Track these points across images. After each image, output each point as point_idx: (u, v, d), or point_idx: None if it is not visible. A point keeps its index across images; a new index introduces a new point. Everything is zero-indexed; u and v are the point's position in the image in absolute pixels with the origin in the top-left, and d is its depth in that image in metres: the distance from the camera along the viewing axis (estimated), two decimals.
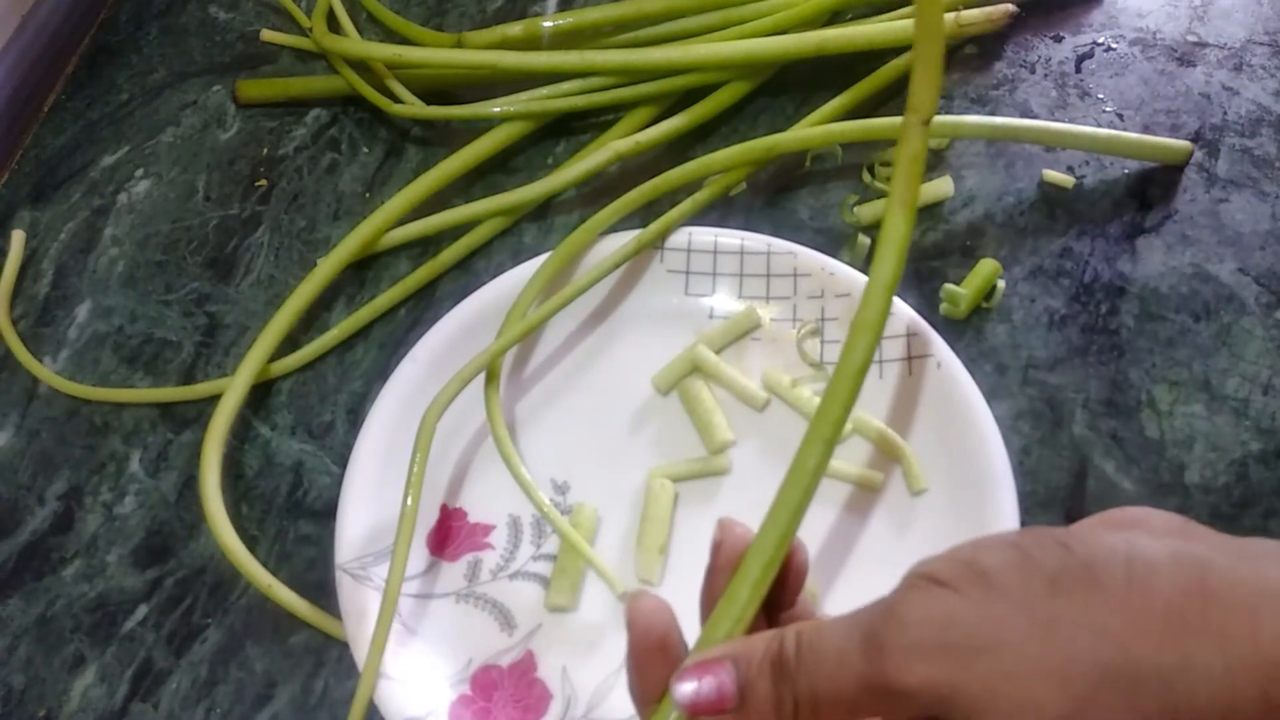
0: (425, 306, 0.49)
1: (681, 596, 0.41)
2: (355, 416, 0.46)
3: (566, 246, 0.46)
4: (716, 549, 0.32)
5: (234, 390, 0.45)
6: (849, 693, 0.27)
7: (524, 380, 0.46)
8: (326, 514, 0.44)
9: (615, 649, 0.40)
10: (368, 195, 0.53)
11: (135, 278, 0.52)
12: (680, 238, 0.47)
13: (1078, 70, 0.54)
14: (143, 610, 0.43)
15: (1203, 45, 0.54)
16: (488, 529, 0.43)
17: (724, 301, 0.47)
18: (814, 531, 0.41)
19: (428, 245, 0.51)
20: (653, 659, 0.30)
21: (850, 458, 0.42)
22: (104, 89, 0.59)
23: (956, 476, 0.40)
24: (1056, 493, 0.42)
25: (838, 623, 0.28)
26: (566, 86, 0.52)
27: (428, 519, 0.43)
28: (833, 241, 0.49)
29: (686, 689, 0.29)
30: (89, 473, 0.46)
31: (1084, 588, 0.25)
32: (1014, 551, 0.26)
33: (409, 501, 0.39)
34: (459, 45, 0.53)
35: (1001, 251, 0.48)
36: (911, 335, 0.43)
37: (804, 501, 0.31)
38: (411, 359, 0.45)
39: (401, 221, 0.50)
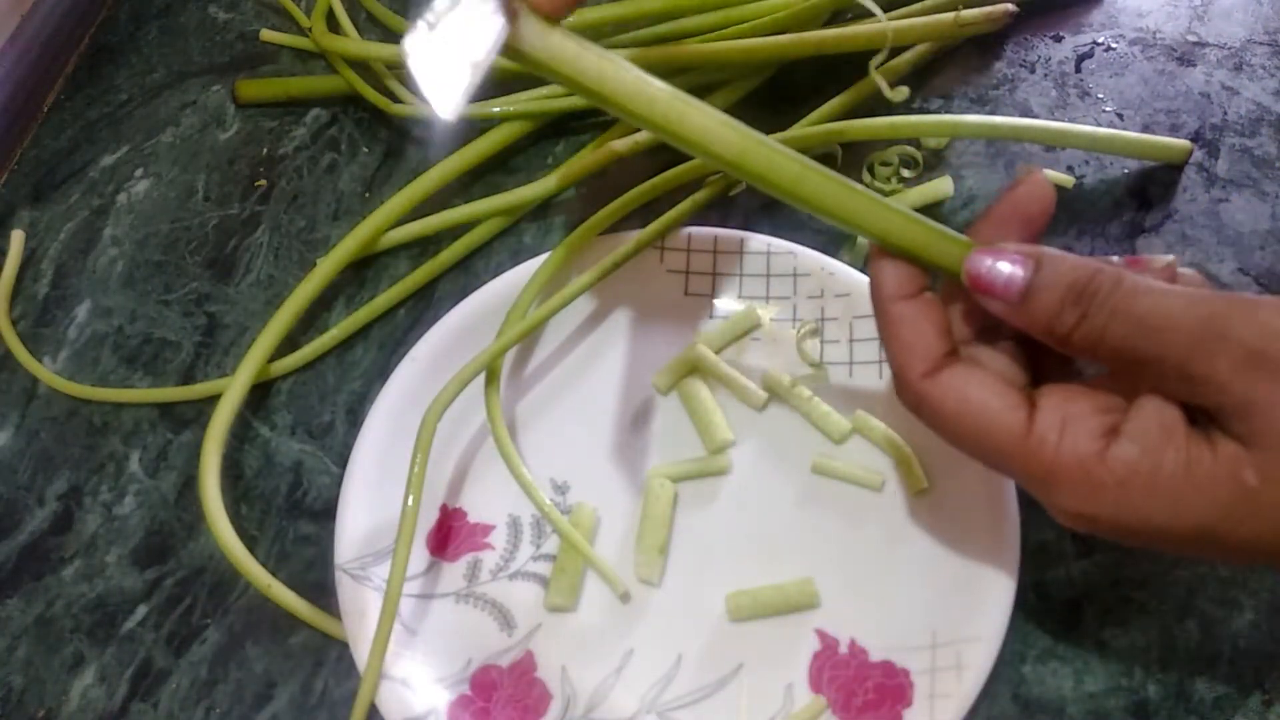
0: (425, 306, 0.49)
1: (682, 596, 0.41)
2: (355, 416, 0.46)
3: (566, 246, 0.46)
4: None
5: (233, 390, 0.45)
6: (1151, 352, 0.27)
7: (524, 380, 0.46)
8: (326, 514, 0.44)
9: (615, 649, 0.40)
10: (367, 195, 0.53)
11: (135, 278, 0.52)
12: (680, 238, 0.47)
13: (1078, 70, 0.54)
14: (142, 610, 0.43)
15: (1203, 45, 0.54)
16: (488, 529, 0.43)
17: (724, 301, 0.47)
18: (813, 531, 0.41)
19: (427, 245, 0.51)
20: (1011, 225, 0.31)
21: (850, 458, 0.42)
22: (103, 89, 0.59)
23: (956, 476, 0.40)
24: None
25: (1171, 289, 0.27)
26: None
27: (428, 519, 0.43)
28: (832, 241, 0.49)
29: (980, 262, 0.29)
30: (88, 473, 0.46)
31: None
32: None
33: (409, 501, 0.39)
34: None
35: None
36: None
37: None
38: (411, 359, 0.45)
39: (401, 221, 0.50)
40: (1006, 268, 0.28)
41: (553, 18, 0.31)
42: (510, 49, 0.31)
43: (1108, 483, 0.27)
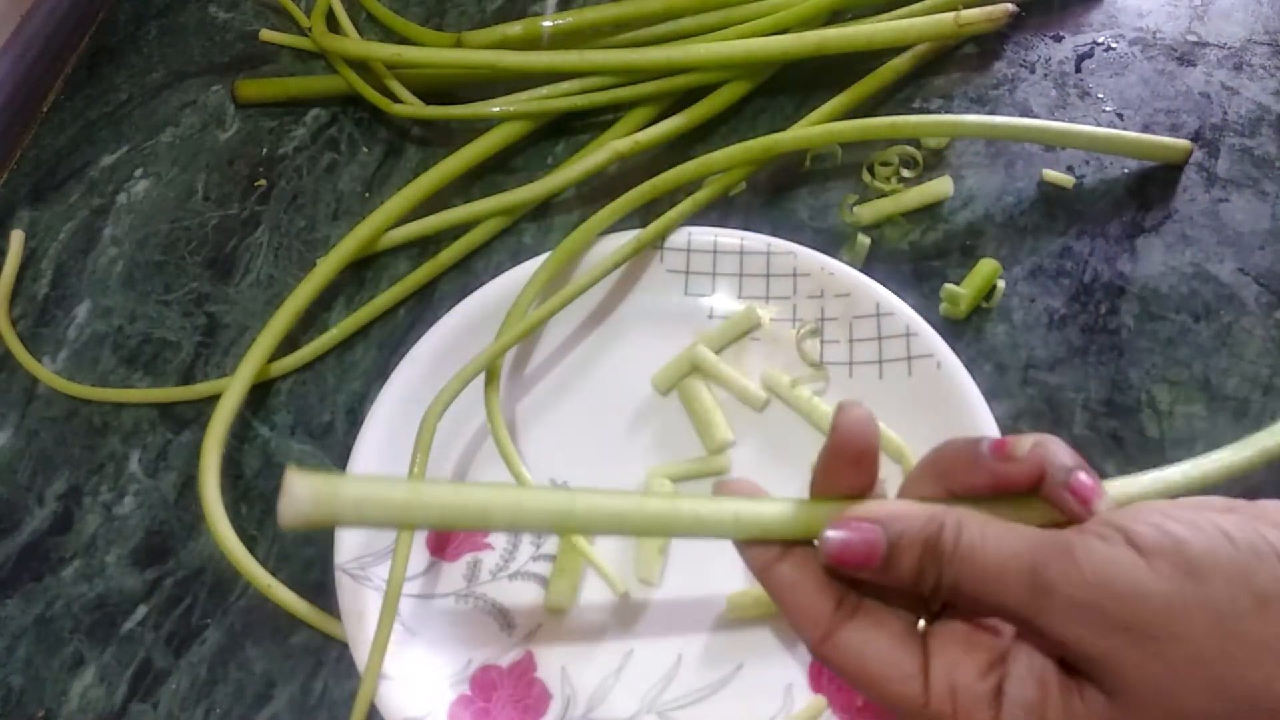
0: (425, 307, 0.49)
1: (682, 596, 0.41)
2: (355, 416, 0.46)
3: (566, 246, 0.46)
4: (833, 431, 0.30)
5: (233, 390, 0.45)
6: (994, 606, 0.27)
7: (524, 380, 0.46)
8: None
9: (614, 649, 0.40)
10: (367, 195, 0.53)
11: (134, 278, 0.52)
12: (680, 238, 0.47)
13: (1078, 70, 0.54)
14: (142, 610, 0.43)
15: (1203, 45, 0.54)
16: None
17: (724, 301, 0.47)
18: None
19: (427, 245, 0.51)
20: (842, 469, 0.30)
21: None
22: (103, 89, 0.59)
23: None
24: None
25: (1004, 536, 0.27)
26: (566, 86, 0.52)
27: None
28: (832, 241, 0.49)
29: (836, 537, 0.28)
30: (88, 473, 0.46)
31: None
32: (1228, 549, 0.25)
33: None
34: (458, 45, 0.53)
35: (1001, 251, 0.48)
36: (911, 335, 0.43)
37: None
38: (411, 359, 0.44)
39: (401, 221, 0.50)
40: (863, 539, 0.28)
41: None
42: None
43: None
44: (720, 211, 0.50)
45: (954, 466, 0.30)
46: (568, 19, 0.53)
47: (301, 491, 0.25)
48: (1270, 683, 0.24)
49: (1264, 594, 0.25)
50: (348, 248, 0.48)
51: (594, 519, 0.28)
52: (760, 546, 0.30)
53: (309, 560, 0.43)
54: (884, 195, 0.50)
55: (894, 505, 0.29)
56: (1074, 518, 0.28)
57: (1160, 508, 0.27)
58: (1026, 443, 0.29)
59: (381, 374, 0.46)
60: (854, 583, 0.29)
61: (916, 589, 0.29)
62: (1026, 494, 0.29)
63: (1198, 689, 0.25)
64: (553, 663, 0.40)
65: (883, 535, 0.28)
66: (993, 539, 0.27)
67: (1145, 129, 0.51)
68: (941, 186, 0.49)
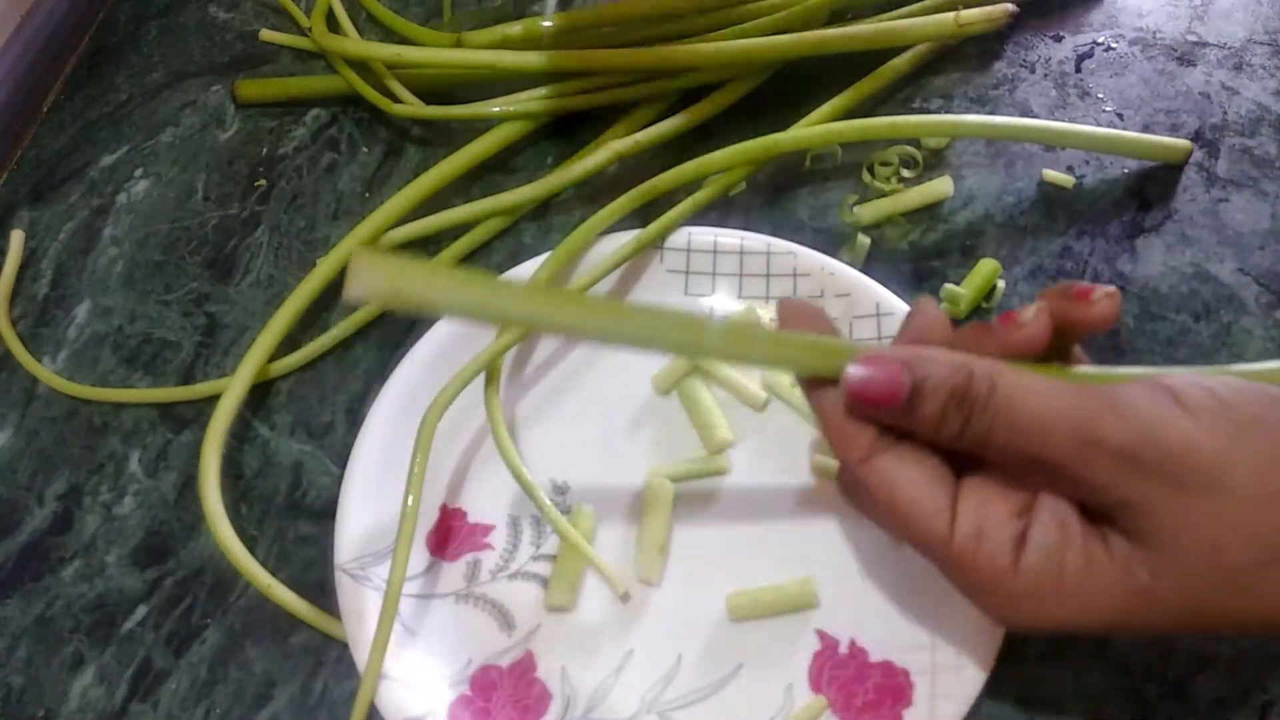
0: None
1: (682, 596, 0.41)
2: (355, 416, 0.46)
3: (566, 246, 0.46)
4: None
5: (233, 390, 0.45)
6: (1032, 456, 0.27)
7: (524, 380, 0.46)
8: (326, 514, 0.44)
9: (614, 649, 0.40)
10: (367, 195, 0.53)
11: (134, 278, 0.52)
12: (680, 238, 0.47)
13: (1077, 70, 0.54)
14: (142, 610, 0.43)
15: (1203, 45, 0.54)
16: (487, 529, 0.43)
17: (724, 301, 0.47)
18: (813, 531, 0.41)
19: (427, 245, 0.51)
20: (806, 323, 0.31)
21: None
22: (103, 89, 0.59)
23: None
24: None
25: (1047, 389, 0.28)
26: (566, 86, 0.52)
27: (427, 519, 0.43)
28: (832, 241, 0.49)
29: (858, 372, 0.29)
30: (88, 473, 0.46)
31: None
32: (1271, 408, 0.26)
33: (409, 501, 0.39)
34: (458, 45, 0.53)
35: (1001, 251, 0.48)
36: None
37: None
38: (411, 359, 0.44)
39: (401, 221, 0.50)
40: (884, 377, 0.29)
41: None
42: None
43: (1021, 594, 0.28)
44: (720, 211, 0.50)
45: (962, 344, 0.30)
46: (568, 19, 0.53)
47: (371, 270, 0.26)
48: None
49: None
50: (348, 248, 0.48)
51: (628, 328, 0.29)
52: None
53: (309, 560, 0.43)
54: (884, 195, 0.50)
55: (923, 350, 0.29)
56: (1082, 321, 0.30)
57: (1201, 375, 0.28)
58: (1031, 310, 0.30)
59: (382, 374, 0.46)
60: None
61: (936, 436, 0.29)
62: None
63: (1231, 538, 0.26)
64: (553, 663, 0.40)
65: (907, 375, 0.28)
66: (1034, 392, 0.28)
67: (1145, 129, 0.51)
68: (941, 186, 0.49)
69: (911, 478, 0.29)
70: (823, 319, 0.32)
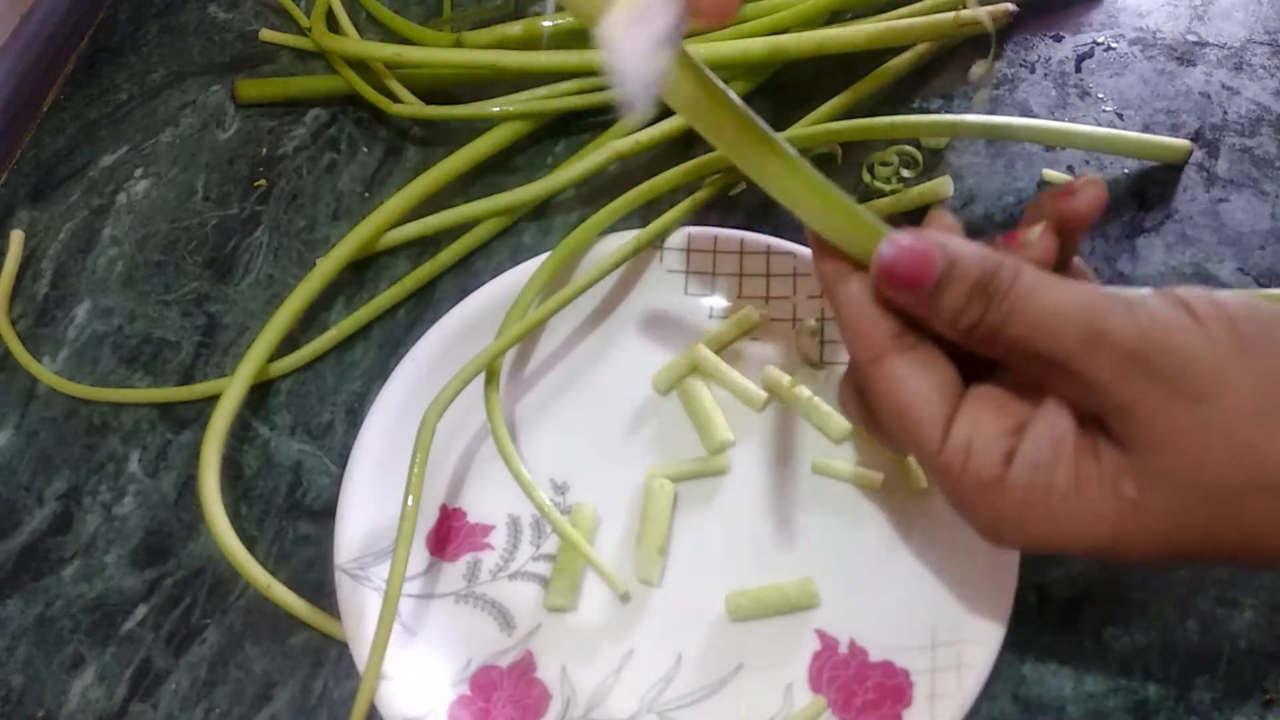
0: (424, 306, 0.49)
1: (682, 596, 0.41)
2: (355, 416, 0.46)
3: (566, 246, 0.46)
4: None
5: (233, 390, 0.45)
6: (1041, 350, 0.27)
7: (524, 380, 0.46)
8: (326, 514, 0.44)
9: (615, 649, 0.40)
10: (367, 195, 0.53)
11: (134, 278, 0.52)
12: (680, 237, 0.47)
13: (1078, 70, 0.54)
14: (142, 610, 0.43)
15: (1203, 45, 0.54)
16: (487, 529, 0.43)
17: (724, 301, 0.47)
18: (813, 531, 0.41)
19: (427, 245, 0.51)
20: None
21: (849, 457, 0.42)
22: (103, 89, 0.59)
23: None
24: None
25: (1063, 285, 0.28)
26: (566, 86, 0.52)
27: (427, 519, 0.43)
28: None
29: (890, 251, 0.29)
30: (88, 473, 0.46)
31: None
32: (1278, 327, 0.26)
33: (409, 501, 0.39)
34: (458, 45, 0.53)
35: None
36: None
37: None
38: (411, 359, 0.44)
39: (401, 221, 0.50)
40: (917, 257, 0.28)
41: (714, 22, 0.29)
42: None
43: (1007, 508, 0.28)
44: (720, 211, 0.50)
45: None
46: (568, 19, 0.53)
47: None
48: None
49: None
50: (348, 247, 0.48)
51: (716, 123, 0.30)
52: (837, 257, 0.30)
53: (309, 560, 0.43)
54: (884, 195, 0.50)
55: (956, 239, 0.29)
56: (1073, 215, 0.30)
57: (1216, 291, 0.28)
58: (1036, 229, 0.30)
59: (381, 374, 0.46)
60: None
61: (954, 327, 0.29)
62: None
63: (1222, 454, 0.25)
64: (553, 663, 0.40)
65: (939, 257, 0.28)
66: (1053, 285, 0.28)
67: (1145, 129, 0.51)
68: (941, 186, 0.49)
69: (916, 383, 0.29)
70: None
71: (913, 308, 0.29)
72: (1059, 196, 0.31)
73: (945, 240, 0.29)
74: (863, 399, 0.32)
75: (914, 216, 0.49)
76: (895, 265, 0.29)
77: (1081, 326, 0.27)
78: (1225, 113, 0.51)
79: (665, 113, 0.52)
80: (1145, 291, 0.28)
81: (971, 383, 0.30)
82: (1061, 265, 0.31)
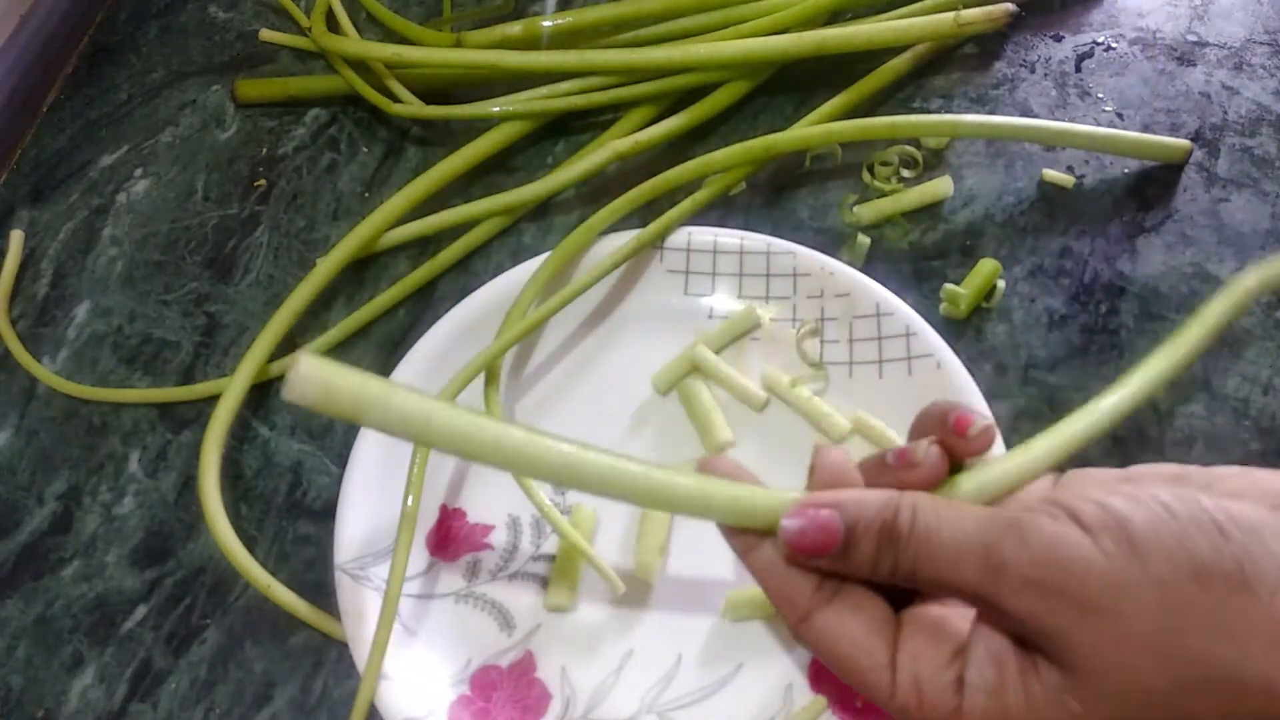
0: (424, 306, 0.49)
1: (682, 596, 0.41)
2: None
3: (566, 246, 0.46)
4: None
5: (233, 390, 0.45)
6: (951, 587, 0.28)
7: (524, 380, 0.46)
8: (326, 514, 0.44)
9: (614, 649, 0.40)
10: (367, 195, 0.53)
11: (134, 277, 0.52)
12: (680, 237, 0.47)
13: (1078, 70, 0.54)
14: (141, 610, 0.43)
15: (1203, 45, 0.54)
16: (487, 529, 0.43)
17: (723, 301, 0.47)
18: None
19: (427, 245, 0.51)
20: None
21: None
22: (103, 89, 0.59)
23: None
24: None
25: (958, 518, 0.28)
26: (566, 86, 0.52)
27: (427, 519, 0.43)
28: (832, 241, 0.49)
29: (793, 525, 0.29)
30: (88, 473, 0.46)
31: (1229, 587, 0.25)
32: (1168, 522, 0.26)
33: (409, 502, 0.39)
34: (458, 45, 0.53)
35: (1001, 251, 0.48)
36: (911, 335, 0.43)
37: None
38: (411, 359, 0.44)
39: (401, 221, 0.50)
40: (819, 525, 0.29)
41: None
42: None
43: None
44: (720, 211, 0.50)
45: (869, 474, 0.31)
46: (567, 19, 0.53)
47: (310, 374, 0.26)
48: (1212, 652, 0.25)
49: (1203, 565, 0.25)
50: (347, 247, 0.48)
51: (588, 475, 0.28)
52: (743, 531, 0.31)
53: (309, 560, 0.43)
54: (884, 195, 0.50)
55: (850, 491, 0.30)
56: (962, 453, 0.30)
57: (1105, 482, 0.28)
58: (923, 445, 0.30)
59: (381, 374, 0.46)
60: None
61: (875, 576, 0.29)
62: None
63: (1145, 660, 0.25)
64: (553, 663, 0.40)
65: (839, 521, 0.29)
66: (946, 521, 0.28)
67: (1145, 129, 0.51)
68: (941, 186, 0.49)
69: (849, 634, 0.29)
70: (853, 473, 0.32)
71: (830, 569, 0.30)
72: (954, 430, 0.31)
73: (842, 499, 0.29)
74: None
75: (914, 217, 0.49)
76: (801, 539, 0.29)
77: (980, 560, 0.27)
78: (1225, 113, 0.51)
79: (665, 112, 0.52)
80: (1036, 510, 0.27)
81: (902, 604, 0.30)
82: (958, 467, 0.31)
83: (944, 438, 0.31)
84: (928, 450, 0.30)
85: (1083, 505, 0.27)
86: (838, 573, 0.30)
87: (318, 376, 0.26)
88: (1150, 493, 0.27)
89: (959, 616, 0.29)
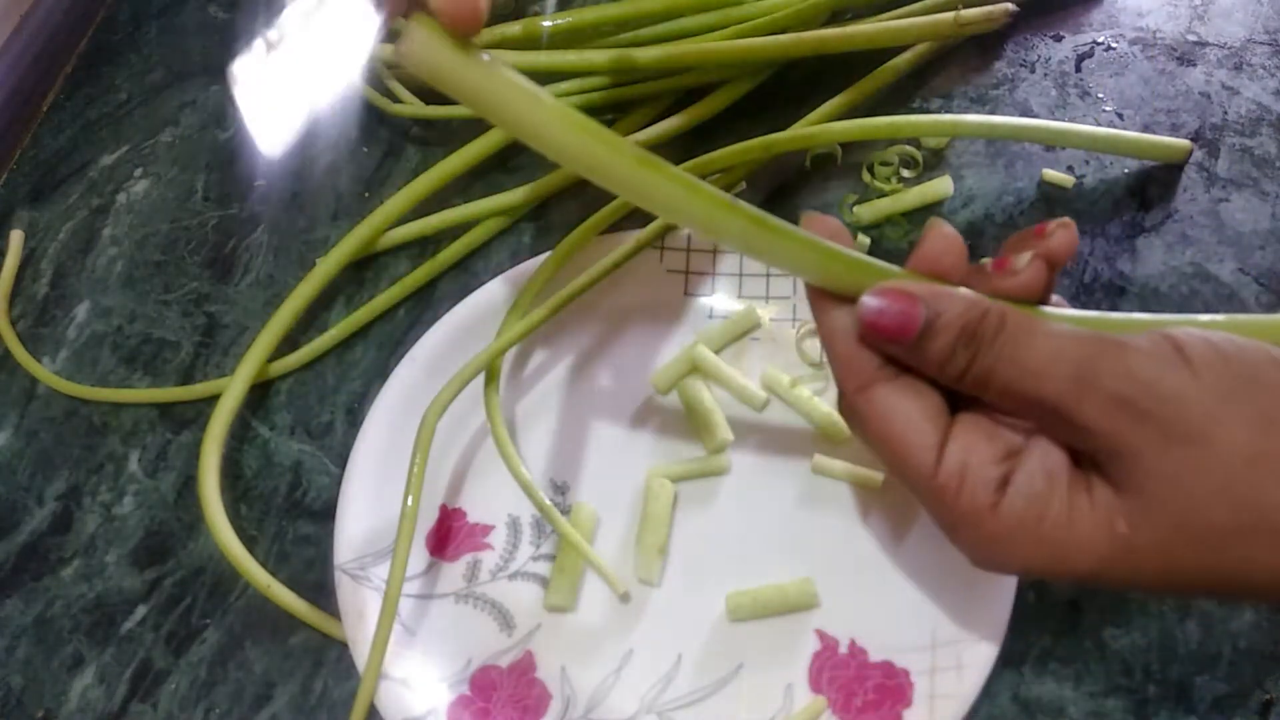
0: (424, 306, 0.49)
1: (682, 596, 0.41)
2: (354, 416, 0.46)
3: (566, 246, 0.46)
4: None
5: (233, 390, 0.45)
6: (1028, 396, 0.28)
7: (524, 380, 0.46)
8: (325, 514, 0.44)
9: (615, 649, 0.40)
10: (367, 195, 0.53)
11: (134, 278, 0.52)
12: (680, 238, 0.47)
13: (1078, 69, 0.54)
14: (141, 611, 0.43)
15: (1203, 44, 0.54)
16: (487, 529, 0.43)
17: (723, 301, 0.47)
18: (813, 531, 0.41)
19: (427, 245, 0.51)
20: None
21: (849, 458, 0.42)
22: (103, 89, 0.59)
23: None
24: None
25: (1054, 330, 0.28)
26: (566, 86, 0.52)
27: (427, 519, 0.43)
28: None
29: (873, 304, 0.29)
30: (88, 473, 0.46)
31: None
32: (1272, 371, 0.26)
33: (409, 501, 0.39)
34: None
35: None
36: None
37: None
38: (411, 359, 0.44)
39: (400, 221, 0.50)
40: (900, 310, 0.29)
41: (459, 32, 0.28)
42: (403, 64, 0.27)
43: (998, 535, 0.28)
44: None
45: (968, 279, 0.30)
46: (567, 19, 0.53)
47: (427, 42, 0.26)
48: None
49: None
50: (347, 247, 0.48)
51: (653, 187, 0.29)
52: (824, 292, 0.30)
53: (309, 560, 0.43)
54: (884, 195, 0.50)
55: (939, 287, 0.29)
56: (1045, 255, 0.30)
57: (1209, 329, 0.28)
58: (1025, 256, 0.30)
59: (381, 374, 0.46)
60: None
61: (944, 375, 0.29)
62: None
63: (1214, 495, 0.25)
64: (553, 663, 0.40)
65: (921, 310, 0.28)
66: (1040, 330, 0.28)
67: (1145, 129, 0.51)
68: (941, 186, 0.49)
69: (905, 411, 0.29)
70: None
71: (899, 356, 0.29)
72: (1034, 235, 0.31)
73: (928, 290, 0.29)
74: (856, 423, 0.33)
75: (914, 217, 0.49)
76: (879, 319, 0.29)
77: (1070, 371, 0.27)
78: (1225, 113, 0.51)
79: (665, 112, 0.52)
80: (1137, 335, 0.28)
81: (959, 411, 0.30)
82: (1043, 300, 0.31)
83: (1036, 248, 0.30)
84: (1028, 259, 0.30)
85: (1188, 338, 0.27)
86: (905, 362, 0.29)
87: (435, 48, 0.26)
88: (1257, 343, 0.27)
89: (1017, 427, 0.29)
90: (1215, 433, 0.25)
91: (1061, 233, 0.30)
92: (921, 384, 0.30)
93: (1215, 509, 0.25)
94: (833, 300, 0.30)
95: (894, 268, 0.30)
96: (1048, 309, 0.30)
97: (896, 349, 0.29)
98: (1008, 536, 0.27)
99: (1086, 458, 0.28)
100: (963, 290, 0.29)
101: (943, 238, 0.31)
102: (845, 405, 0.31)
